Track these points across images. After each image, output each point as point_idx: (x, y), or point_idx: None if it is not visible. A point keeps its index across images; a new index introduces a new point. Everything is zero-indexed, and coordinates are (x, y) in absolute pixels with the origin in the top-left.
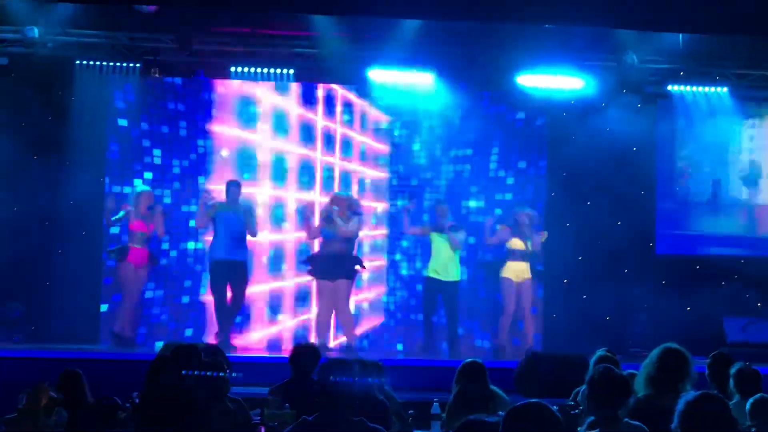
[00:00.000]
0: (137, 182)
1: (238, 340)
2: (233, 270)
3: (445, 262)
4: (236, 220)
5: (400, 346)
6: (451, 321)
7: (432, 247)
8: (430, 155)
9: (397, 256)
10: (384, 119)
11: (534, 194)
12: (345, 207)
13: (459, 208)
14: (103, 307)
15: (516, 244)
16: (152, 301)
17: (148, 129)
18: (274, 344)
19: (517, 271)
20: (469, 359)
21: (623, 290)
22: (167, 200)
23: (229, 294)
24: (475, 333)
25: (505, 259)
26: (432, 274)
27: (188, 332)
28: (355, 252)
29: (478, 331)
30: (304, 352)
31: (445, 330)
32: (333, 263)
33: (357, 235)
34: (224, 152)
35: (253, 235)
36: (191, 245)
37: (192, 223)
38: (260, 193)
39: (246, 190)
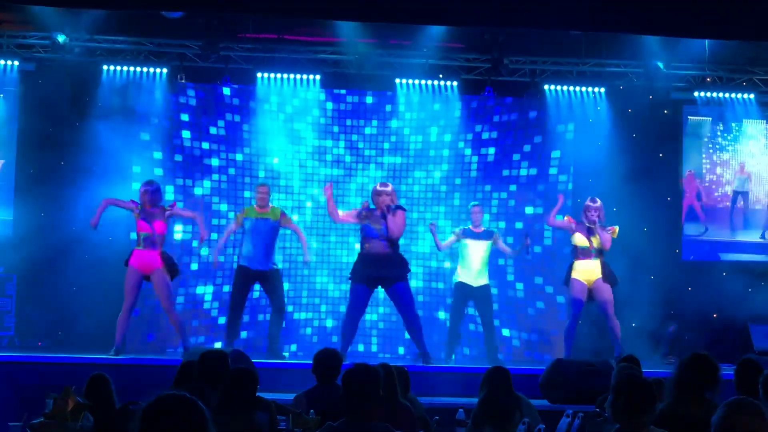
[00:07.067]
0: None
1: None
2: (264, 279)
3: (476, 268)
4: (266, 226)
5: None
6: (488, 326)
7: (461, 252)
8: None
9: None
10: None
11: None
12: (389, 200)
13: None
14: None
15: (579, 240)
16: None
17: (178, 134)
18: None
19: (585, 271)
20: (494, 365)
21: (649, 296)
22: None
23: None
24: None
25: (572, 259)
26: (462, 279)
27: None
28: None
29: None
30: (327, 358)
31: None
32: (381, 268)
33: (402, 233)
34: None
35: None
36: (205, 251)
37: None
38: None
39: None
